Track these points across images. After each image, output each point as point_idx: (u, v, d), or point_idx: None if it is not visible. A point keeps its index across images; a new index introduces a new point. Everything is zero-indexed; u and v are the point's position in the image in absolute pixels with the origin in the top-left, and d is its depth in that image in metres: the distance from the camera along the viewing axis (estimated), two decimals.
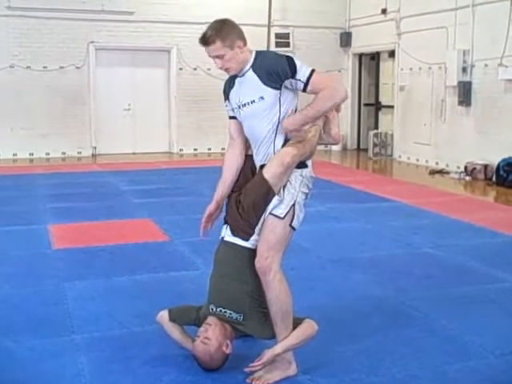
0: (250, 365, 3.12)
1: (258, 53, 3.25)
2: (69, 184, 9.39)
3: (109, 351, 3.52)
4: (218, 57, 3.15)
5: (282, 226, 3.13)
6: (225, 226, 3.28)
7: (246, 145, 3.38)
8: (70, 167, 11.47)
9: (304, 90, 3.15)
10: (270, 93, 3.13)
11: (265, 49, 12.38)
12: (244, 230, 3.17)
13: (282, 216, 3.12)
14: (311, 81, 3.10)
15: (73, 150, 12.77)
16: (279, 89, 3.12)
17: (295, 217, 3.16)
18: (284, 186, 3.15)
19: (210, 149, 13.53)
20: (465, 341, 3.69)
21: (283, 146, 3.17)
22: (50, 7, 12.10)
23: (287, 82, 3.12)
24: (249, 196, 3.16)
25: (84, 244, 5.86)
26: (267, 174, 3.11)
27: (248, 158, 3.37)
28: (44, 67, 12.38)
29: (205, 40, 3.12)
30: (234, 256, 3.19)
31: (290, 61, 3.12)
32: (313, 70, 3.13)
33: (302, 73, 3.11)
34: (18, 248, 5.76)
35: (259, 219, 3.15)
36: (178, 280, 4.81)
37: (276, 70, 3.09)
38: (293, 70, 3.09)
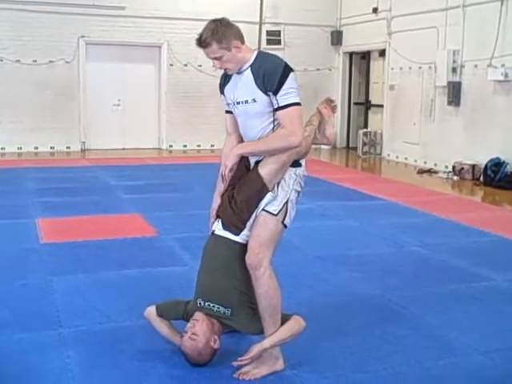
0: (239, 359, 3.14)
1: (260, 53, 3.21)
2: (57, 178, 9.35)
3: (96, 345, 3.52)
4: (215, 58, 3.12)
5: (275, 222, 3.14)
6: (216, 220, 3.28)
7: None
8: (59, 162, 11.42)
9: (275, 111, 3.10)
10: (261, 97, 3.10)
11: (256, 46, 12.38)
12: (235, 224, 3.17)
13: (275, 213, 3.14)
14: (282, 111, 3.05)
15: (62, 144, 12.71)
16: (268, 95, 3.08)
17: (288, 214, 3.18)
18: (278, 184, 3.16)
19: (199, 145, 13.54)
20: (450, 338, 3.72)
21: None
22: (40, 0, 12.02)
23: (269, 93, 3.07)
24: (242, 191, 3.16)
25: (72, 238, 5.85)
26: (263, 170, 3.12)
27: None
28: (33, 61, 12.31)
29: (200, 43, 3.10)
30: (223, 250, 3.19)
31: (283, 77, 3.04)
32: (293, 104, 3.04)
33: (284, 97, 3.04)
34: (6, 242, 5.74)
35: (251, 215, 3.16)
36: (167, 275, 4.82)
37: (268, 76, 3.05)
38: (277, 87, 3.03)
